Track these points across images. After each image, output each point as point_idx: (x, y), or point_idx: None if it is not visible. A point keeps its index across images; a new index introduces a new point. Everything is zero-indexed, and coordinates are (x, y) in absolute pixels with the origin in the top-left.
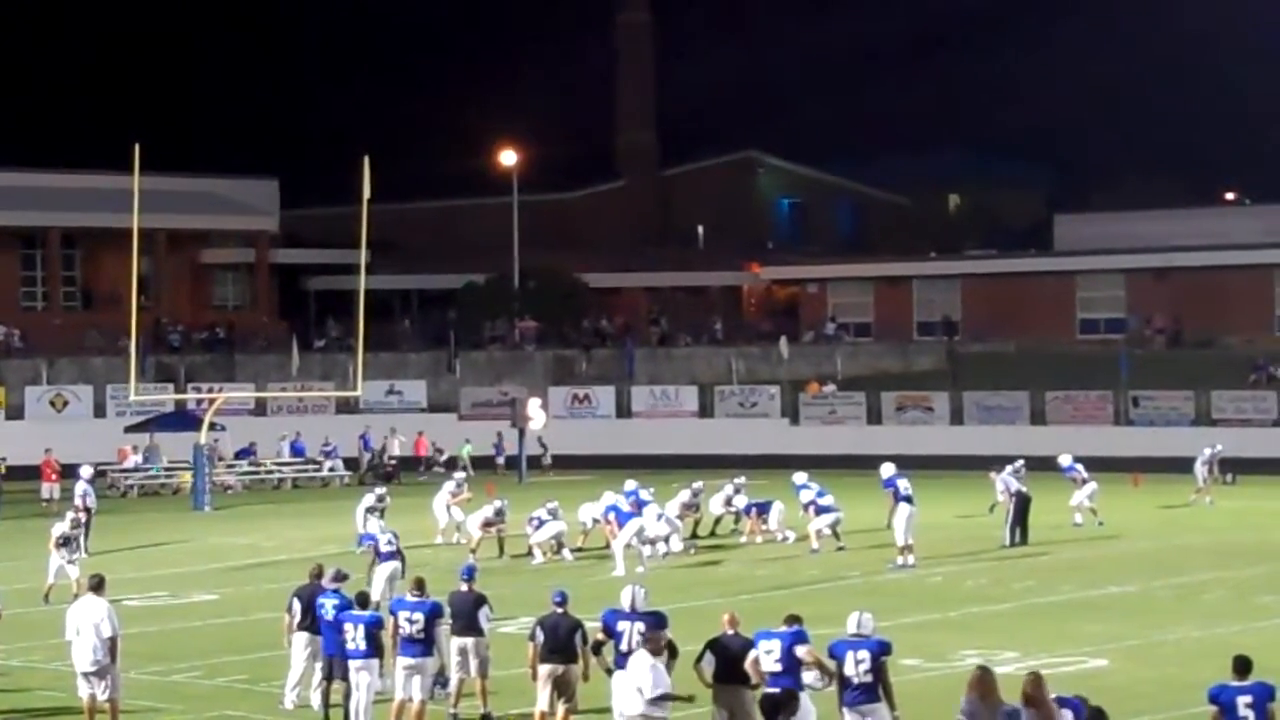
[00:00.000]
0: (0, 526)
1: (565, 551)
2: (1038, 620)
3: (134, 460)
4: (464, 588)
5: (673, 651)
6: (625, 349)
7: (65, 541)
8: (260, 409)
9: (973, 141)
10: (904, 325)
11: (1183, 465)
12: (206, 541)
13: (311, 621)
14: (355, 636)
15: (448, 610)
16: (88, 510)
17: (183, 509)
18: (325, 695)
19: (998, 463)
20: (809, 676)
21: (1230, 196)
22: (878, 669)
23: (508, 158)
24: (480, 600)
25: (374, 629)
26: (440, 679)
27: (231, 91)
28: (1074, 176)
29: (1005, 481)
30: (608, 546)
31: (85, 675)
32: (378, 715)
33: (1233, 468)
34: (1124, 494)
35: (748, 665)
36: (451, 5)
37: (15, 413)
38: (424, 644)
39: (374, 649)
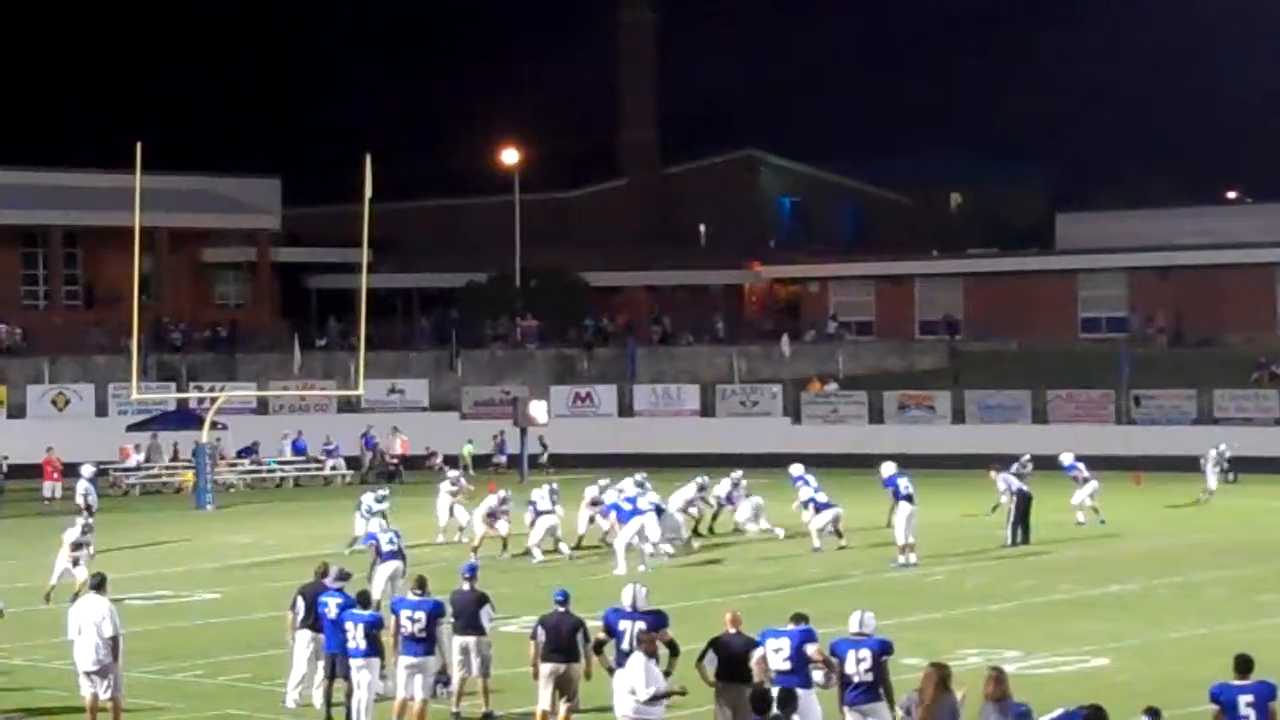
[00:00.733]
0: (2, 525)
1: (563, 546)
2: (1039, 619)
3: (135, 459)
4: (466, 586)
5: (674, 650)
6: (627, 348)
7: (78, 547)
8: (262, 408)
9: (974, 140)
10: (906, 324)
11: (1185, 464)
12: (208, 540)
13: (315, 620)
14: (356, 635)
15: (449, 609)
16: (89, 509)
17: (185, 508)
18: (328, 694)
19: (999, 461)
20: (817, 675)
21: (1231, 195)
22: (879, 668)
23: (509, 156)
24: (482, 599)
25: (374, 628)
26: (442, 678)
27: (233, 90)
28: (1075, 175)
29: (1006, 480)
30: (605, 541)
31: (87, 674)
32: (379, 714)
33: (1235, 466)
34: (1125, 493)
35: (753, 663)
36: (454, 3)
37: (17, 411)
38: (426, 643)
39: (374, 648)
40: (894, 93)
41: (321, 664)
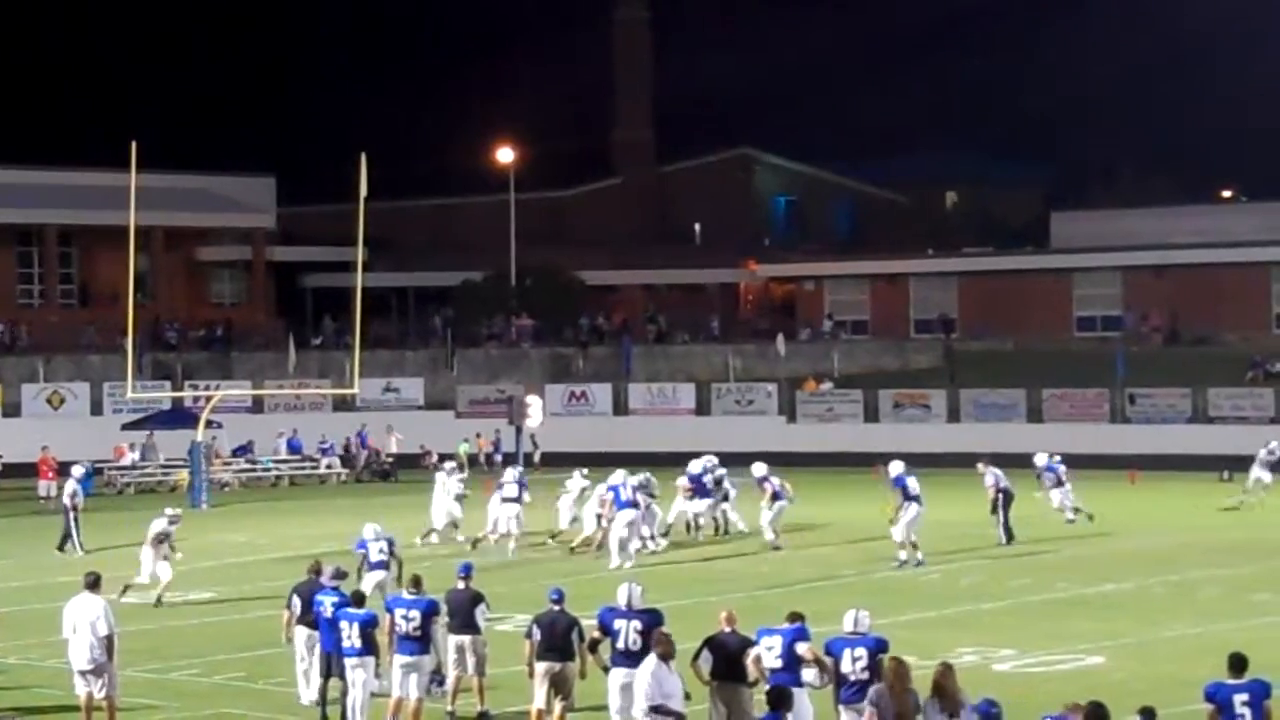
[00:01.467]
0: None
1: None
2: (1034, 618)
3: (130, 458)
4: (461, 585)
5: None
6: (622, 346)
7: (161, 540)
8: (257, 406)
9: (970, 139)
10: (901, 323)
11: (1179, 463)
12: (203, 539)
13: (312, 617)
14: (351, 634)
15: (445, 608)
16: (75, 508)
17: (179, 506)
18: (323, 692)
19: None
20: (809, 674)
21: (1227, 194)
22: (874, 667)
23: (505, 155)
24: (477, 598)
25: (368, 627)
26: (437, 677)
27: (229, 89)
28: (1071, 174)
29: (995, 475)
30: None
31: (82, 673)
32: (375, 713)
33: (1229, 465)
34: (1120, 491)
35: (749, 662)
36: (449, 2)
37: (12, 410)
38: (421, 642)
39: (369, 647)
40: (889, 92)
41: (317, 661)
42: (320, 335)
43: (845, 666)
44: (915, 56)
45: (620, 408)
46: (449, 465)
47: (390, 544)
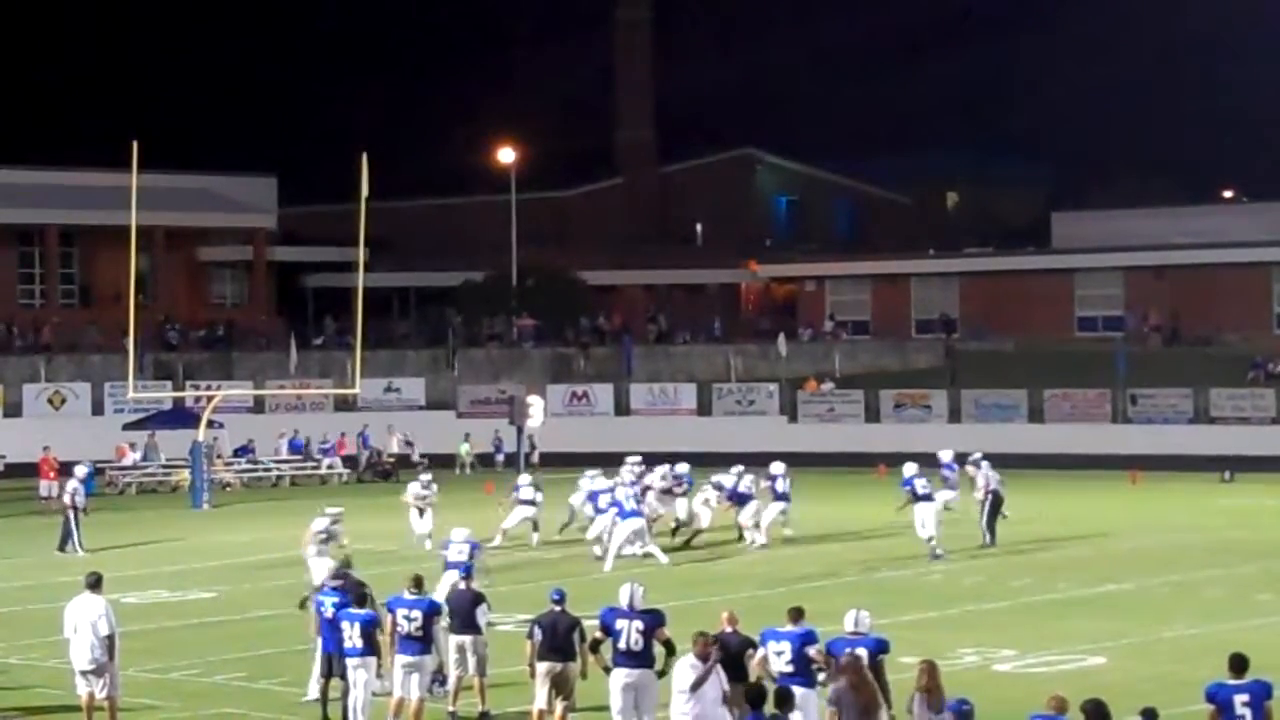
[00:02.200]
0: None
1: (535, 537)
2: (1035, 618)
3: (132, 458)
4: (462, 585)
5: (670, 649)
6: (623, 347)
7: (326, 538)
8: (259, 406)
9: (971, 139)
10: (902, 323)
11: (1181, 463)
12: (205, 539)
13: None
14: (352, 635)
15: (446, 608)
16: (75, 508)
17: (181, 506)
18: (324, 692)
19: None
20: (821, 676)
21: (1228, 195)
22: (876, 667)
23: (506, 155)
24: (478, 598)
25: (370, 627)
26: (438, 677)
27: (230, 89)
28: (1072, 174)
29: (987, 476)
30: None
31: (83, 673)
32: (376, 713)
33: (1230, 466)
34: (1122, 491)
35: (754, 663)
36: (451, 2)
37: (13, 410)
38: (422, 642)
39: (371, 647)
40: (891, 91)
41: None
42: (321, 335)
43: None
44: (918, 56)
45: (621, 408)
46: (424, 478)
47: (474, 548)
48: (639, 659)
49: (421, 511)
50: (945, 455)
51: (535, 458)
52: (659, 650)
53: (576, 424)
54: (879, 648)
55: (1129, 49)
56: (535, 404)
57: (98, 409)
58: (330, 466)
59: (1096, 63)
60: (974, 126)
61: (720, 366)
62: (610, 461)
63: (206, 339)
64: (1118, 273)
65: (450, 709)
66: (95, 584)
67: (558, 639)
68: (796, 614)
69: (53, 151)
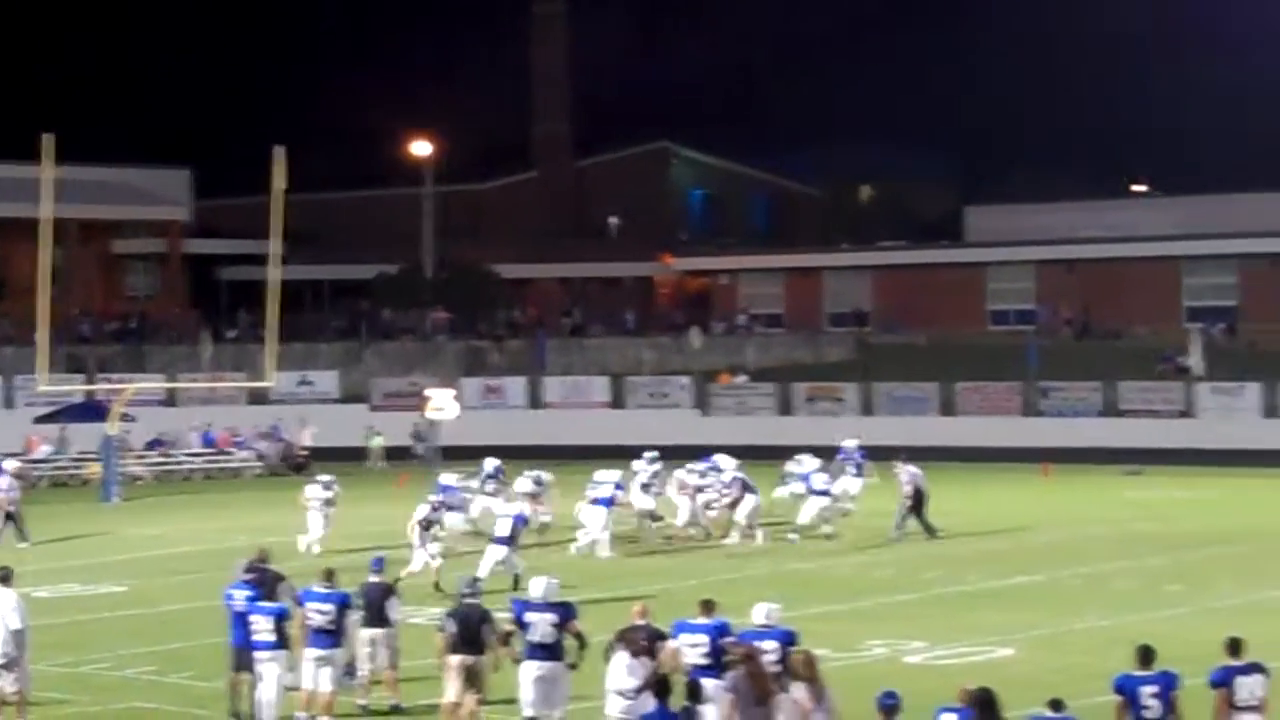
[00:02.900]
0: None
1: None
2: (945, 610)
3: (44, 451)
4: (373, 579)
5: (582, 642)
6: (537, 340)
7: (427, 525)
8: (171, 400)
9: (885, 133)
10: (815, 316)
11: (1091, 456)
12: (116, 533)
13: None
14: (263, 628)
15: (357, 601)
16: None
17: (92, 500)
18: (234, 686)
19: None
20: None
21: (1138, 188)
22: (784, 659)
23: (421, 148)
24: (389, 591)
25: (281, 621)
26: (349, 670)
27: (145, 81)
28: (985, 168)
29: (911, 473)
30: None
31: None
32: (286, 707)
33: (1139, 458)
34: (1033, 484)
35: (665, 655)
36: None
37: None
38: (333, 635)
39: (281, 641)
40: (805, 86)
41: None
42: (235, 328)
43: None
44: (832, 51)
45: (535, 401)
46: (324, 479)
47: (519, 521)
48: (550, 652)
49: (325, 514)
50: (850, 443)
51: (422, 450)
52: (570, 643)
53: (490, 417)
54: (788, 640)
55: (1042, 43)
56: (443, 397)
57: (8, 402)
58: (243, 460)
59: (1010, 57)
60: (888, 121)
61: (633, 359)
62: (522, 454)
63: (119, 332)
64: (1029, 266)
65: (361, 702)
66: (5, 578)
67: (469, 632)
68: (708, 606)
69: None
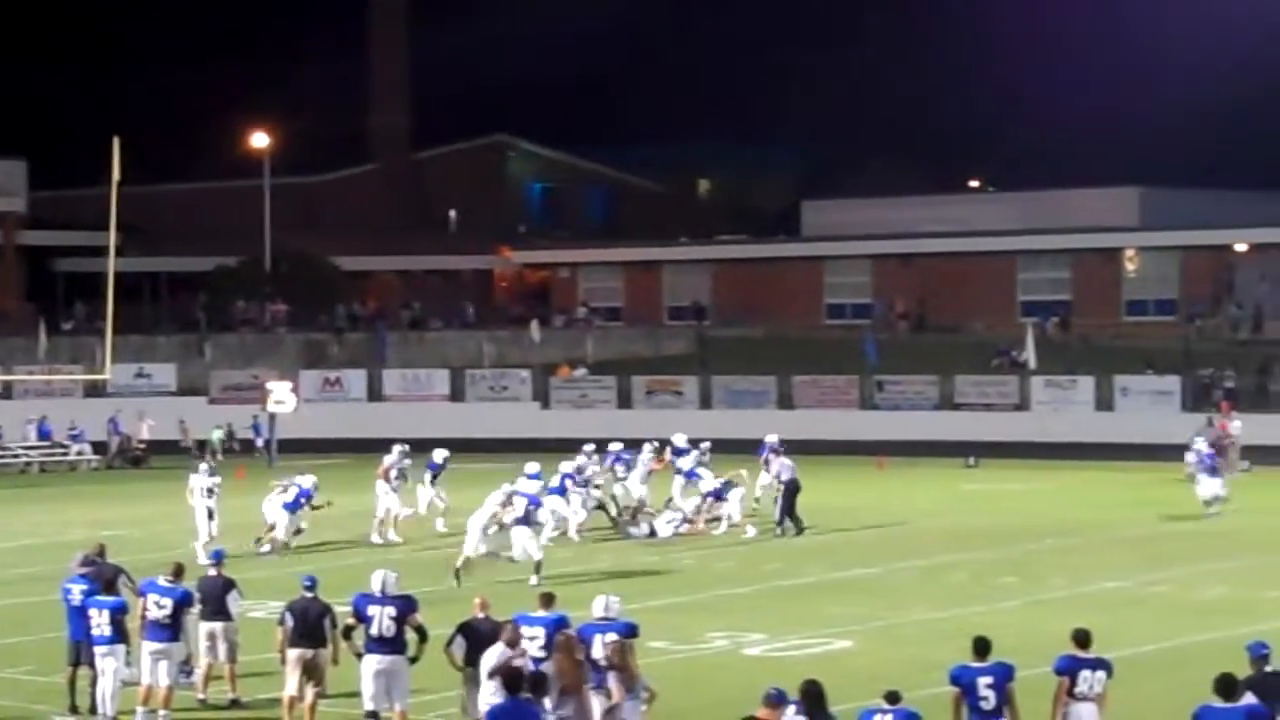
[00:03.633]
0: None
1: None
2: (784, 602)
3: None
4: (213, 572)
5: (422, 635)
6: (377, 332)
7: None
8: (6, 392)
9: (723, 128)
10: (654, 310)
11: (926, 449)
12: None
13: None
14: (101, 622)
15: (197, 596)
16: None
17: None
18: (72, 681)
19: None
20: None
21: (974, 184)
22: (625, 651)
23: (259, 140)
24: (229, 585)
25: (119, 614)
26: (186, 665)
27: None
28: (823, 163)
29: (783, 465)
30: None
31: None
32: (124, 701)
33: (975, 451)
34: (869, 477)
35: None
36: None
37: None
38: (171, 629)
39: (119, 635)
40: (645, 80)
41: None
42: (71, 320)
43: (596, 652)
44: (671, 45)
45: (375, 394)
46: (203, 467)
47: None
48: (391, 645)
49: (211, 512)
50: (773, 438)
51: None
52: (411, 637)
53: (329, 410)
54: (628, 632)
55: (878, 37)
56: (281, 389)
57: None
58: (79, 453)
59: (847, 52)
60: (726, 115)
61: (473, 352)
62: (362, 447)
63: None
64: (866, 261)
65: (200, 696)
66: None
67: (309, 626)
68: (547, 599)
69: None
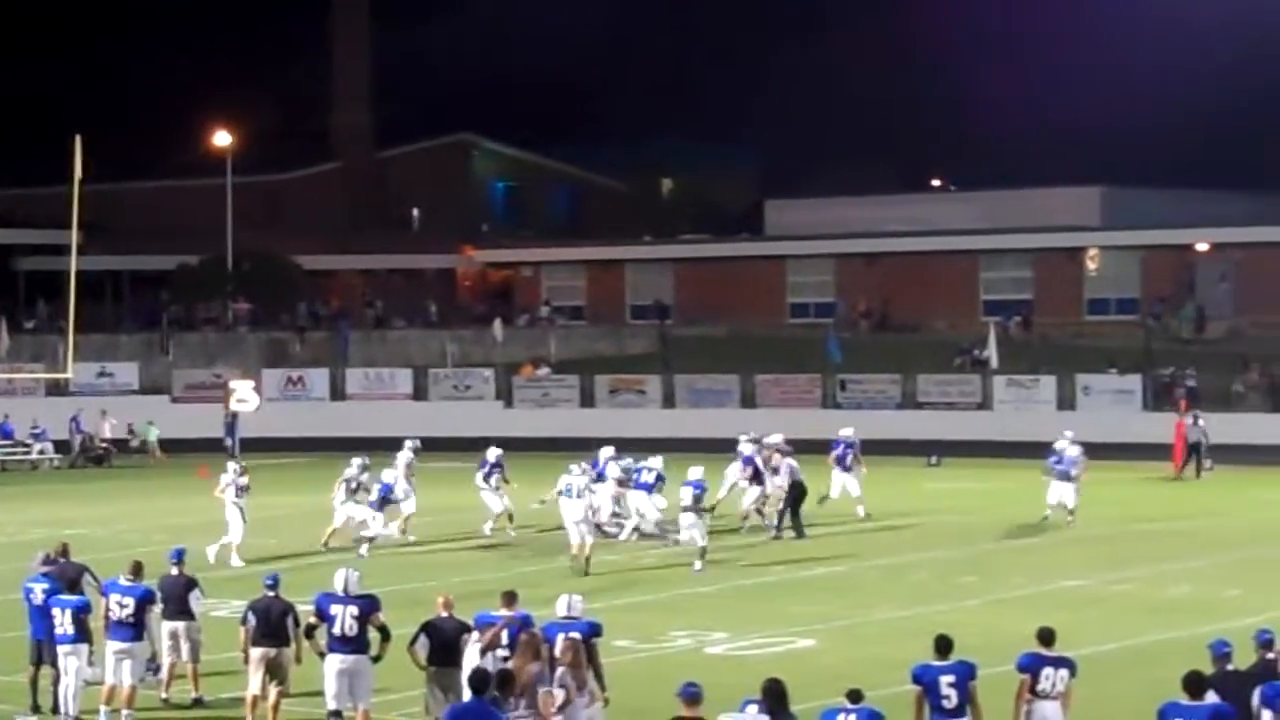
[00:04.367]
0: None
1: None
2: (748, 601)
3: None
4: (174, 571)
5: (385, 634)
6: (340, 331)
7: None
8: None
9: (687, 127)
10: (617, 309)
11: (888, 448)
12: None
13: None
14: (63, 621)
15: (159, 594)
16: None
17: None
18: (34, 680)
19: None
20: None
21: (937, 184)
22: (589, 650)
23: (222, 139)
24: (191, 583)
25: (82, 614)
26: (151, 664)
27: None
28: (786, 162)
29: (790, 466)
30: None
31: None
32: (87, 701)
33: (937, 450)
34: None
35: (469, 647)
36: None
37: None
38: (135, 628)
39: (82, 634)
40: (608, 79)
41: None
42: (34, 319)
43: (560, 651)
44: (635, 43)
45: (337, 393)
46: (232, 466)
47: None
48: (354, 644)
49: (242, 512)
50: (775, 438)
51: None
52: (374, 635)
53: (292, 408)
54: (592, 631)
55: (841, 37)
56: (244, 389)
57: None
58: (41, 452)
59: (810, 52)
60: (690, 115)
61: (436, 352)
62: (324, 446)
63: None
64: (829, 260)
65: (163, 696)
66: None
67: (271, 624)
68: (510, 598)
69: None
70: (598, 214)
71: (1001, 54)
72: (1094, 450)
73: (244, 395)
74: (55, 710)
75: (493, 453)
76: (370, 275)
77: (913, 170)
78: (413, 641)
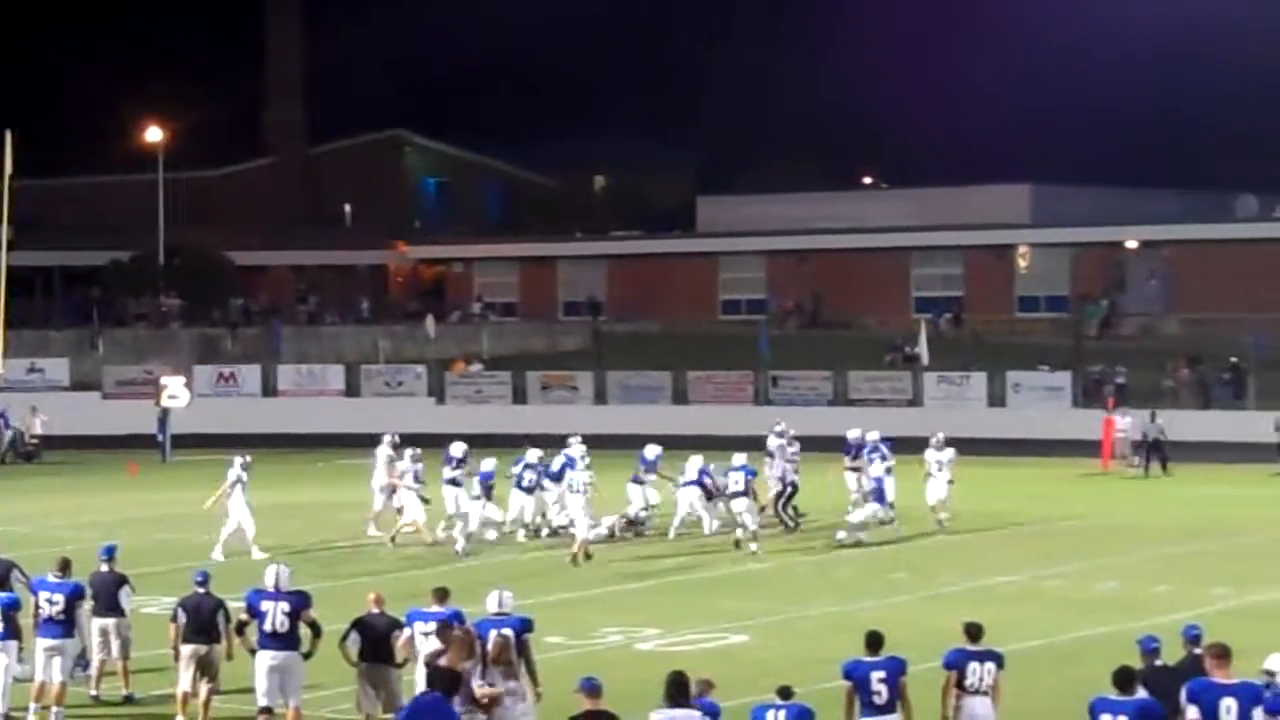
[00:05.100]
0: None
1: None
2: (680, 597)
3: None
4: (105, 568)
5: (316, 631)
6: (272, 327)
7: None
8: None
9: (618, 124)
10: (549, 305)
11: (820, 444)
12: None
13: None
14: None
15: (89, 591)
16: None
17: None
18: None
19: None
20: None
21: (868, 181)
22: (521, 646)
23: (153, 134)
24: (121, 580)
25: (11, 611)
26: (81, 661)
27: None
28: (718, 159)
29: (785, 467)
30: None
31: None
32: (17, 698)
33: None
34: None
35: (400, 644)
36: None
37: None
38: (65, 625)
39: (11, 630)
40: (540, 75)
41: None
42: None
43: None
44: (566, 41)
45: (269, 389)
46: (238, 460)
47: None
48: (285, 641)
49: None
50: (873, 434)
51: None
52: (305, 632)
53: (223, 405)
54: (523, 627)
55: (773, 34)
56: (175, 384)
57: None
58: None
59: (742, 49)
60: (622, 112)
61: (368, 348)
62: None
63: None
64: (760, 257)
65: (93, 693)
66: None
67: (202, 621)
68: (441, 594)
69: None
70: (530, 211)
71: (933, 52)
72: (1024, 446)
73: (175, 391)
74: None
75: (456, 447)
76: (302, 271)
77: (844, 168)
78: (344, 638)
